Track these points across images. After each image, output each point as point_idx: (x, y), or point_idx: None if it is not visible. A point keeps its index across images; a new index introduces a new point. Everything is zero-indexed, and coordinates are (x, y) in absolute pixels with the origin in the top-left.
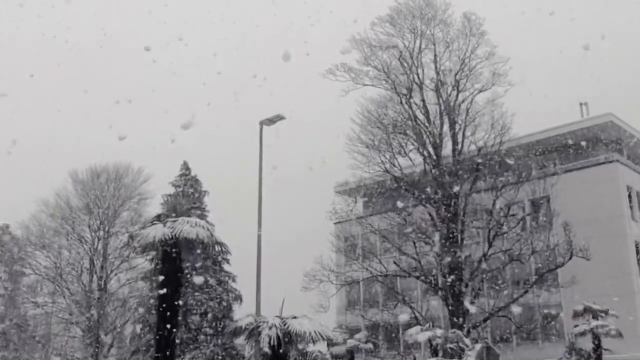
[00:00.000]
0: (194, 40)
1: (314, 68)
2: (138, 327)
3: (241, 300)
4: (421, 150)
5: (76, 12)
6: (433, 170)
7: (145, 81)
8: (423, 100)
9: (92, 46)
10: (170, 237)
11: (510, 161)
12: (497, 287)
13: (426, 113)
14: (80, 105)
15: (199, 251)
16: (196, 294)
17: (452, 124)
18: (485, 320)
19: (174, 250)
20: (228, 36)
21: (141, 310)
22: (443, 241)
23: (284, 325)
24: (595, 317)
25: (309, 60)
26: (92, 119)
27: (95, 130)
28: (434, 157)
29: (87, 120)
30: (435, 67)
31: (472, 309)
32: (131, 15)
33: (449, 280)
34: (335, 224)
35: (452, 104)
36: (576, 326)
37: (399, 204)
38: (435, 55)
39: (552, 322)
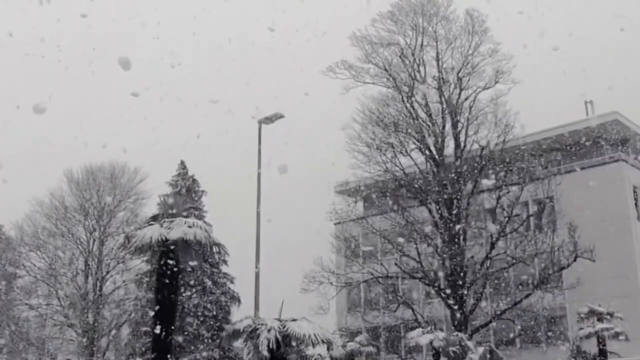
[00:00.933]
0: (191, 41)
1: (315, 67)
2: (134, 330)
3: (239, 302)
4: (423, 149)
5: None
6: (435, 170)
7: (144, 79)
8: (425, 99)
9: (86, 51)
10: (167, 238)
11: (514, 160)
12: (500, 289)
13: (428, 111)
14: (76, 106)
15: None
16: (193, 296)
17: (455, 123)
18: (488, 323)
19: (170, 251)
20: (230, 35)
21: (137, 312)
22: (445, 242)
23: (283, 327)
24: (600, 320)
25: (310, 60)
26: (89, 119)
27: (92, 130)
28: (436, 156)
29: (83, 121)
30: (438, 65)
31: None
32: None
33: (451, 282)
34: (335, 224)
35: (454, 102)
36: (581, 329)
37: (401, 204)
38: (437, 53)
39: (556, 325)
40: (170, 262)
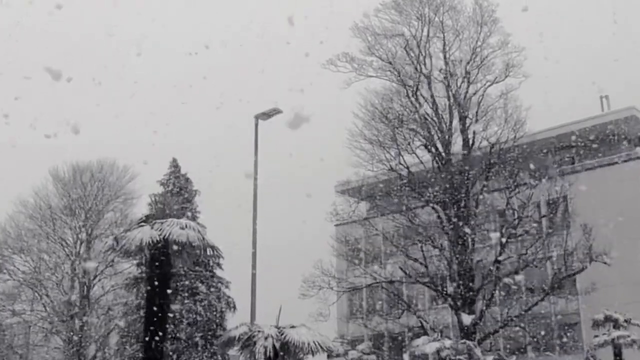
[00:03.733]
0: (188, 39)
1: (315, 64)
2: (123, 337)
3: (234, 307)
4: (429, 146)
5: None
6: (442, 168)
7: (141, 76)
8: (431, 93)
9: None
10: (158, 240)
11: (525, 158)
12: (510, 295)
13: (434, 106)
14: (68, 101)
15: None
16: (186, 301)
17: (463, 119)
18: (497, 330)
19: (162, 254)
20: (229, 30)
21: (127, 318)
22: (452, 244)
23: (281, 335)
24: (616, 327)
25: (310, 59)
26: (81, 116)
27: (84, 127)
28: (443, 153)
29: (75, 118)
30: (444, 57)
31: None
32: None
33: (459, 286)
34: (336, 226)
35: (462, 96)
36: (596, 336)
37: (405, 205)
38: (444, 45)
39: (570, 332)
40: (162, 265)
